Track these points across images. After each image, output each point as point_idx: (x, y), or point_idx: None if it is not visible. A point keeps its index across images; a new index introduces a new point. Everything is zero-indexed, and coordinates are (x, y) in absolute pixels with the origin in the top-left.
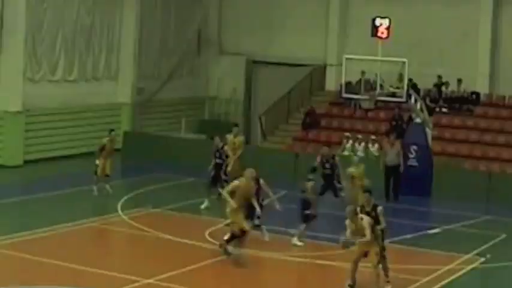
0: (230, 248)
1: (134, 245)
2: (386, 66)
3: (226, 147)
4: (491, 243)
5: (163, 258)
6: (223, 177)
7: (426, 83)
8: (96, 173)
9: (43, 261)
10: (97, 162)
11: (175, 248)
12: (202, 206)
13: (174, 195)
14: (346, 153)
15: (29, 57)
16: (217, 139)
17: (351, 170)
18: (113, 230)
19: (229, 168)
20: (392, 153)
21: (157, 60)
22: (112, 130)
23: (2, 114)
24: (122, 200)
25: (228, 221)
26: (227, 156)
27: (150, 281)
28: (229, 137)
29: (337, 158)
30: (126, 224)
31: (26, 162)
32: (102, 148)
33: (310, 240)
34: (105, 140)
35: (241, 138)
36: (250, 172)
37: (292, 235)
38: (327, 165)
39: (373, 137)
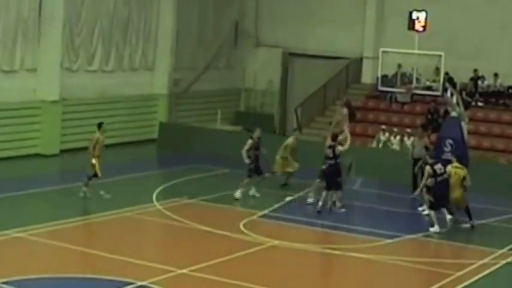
0: None
1: (169, 235)
2: (422, 60)
3: None
4: None
5: (197, 248)
6: None
7: (462, 77)
8: (95, 175)
9: (78, 250)
10: (93, 161)
11: (210, 239)
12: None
13: (209, 186)
14: (380, 145)
15: (66, 47)
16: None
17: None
18: (148, 220)
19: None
20: (419, 146)
21: (194, 52)
22: (102, 122)
23: (40, 103)
24: (157, 191)
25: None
26: None
27: (184, 271)
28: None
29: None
30: (161, 214)
31: (62, 151)
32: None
33: (343, 232)
34: (97, 134)
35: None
36: None
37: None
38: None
39: (408, 130)
